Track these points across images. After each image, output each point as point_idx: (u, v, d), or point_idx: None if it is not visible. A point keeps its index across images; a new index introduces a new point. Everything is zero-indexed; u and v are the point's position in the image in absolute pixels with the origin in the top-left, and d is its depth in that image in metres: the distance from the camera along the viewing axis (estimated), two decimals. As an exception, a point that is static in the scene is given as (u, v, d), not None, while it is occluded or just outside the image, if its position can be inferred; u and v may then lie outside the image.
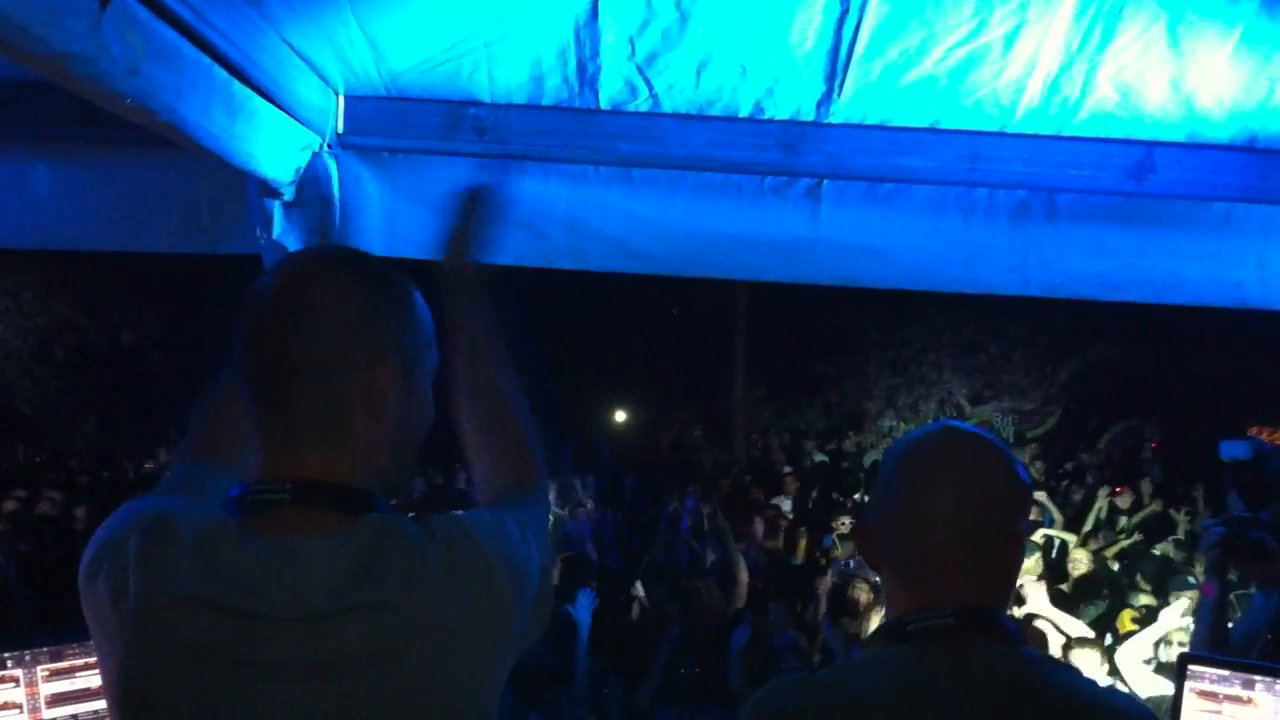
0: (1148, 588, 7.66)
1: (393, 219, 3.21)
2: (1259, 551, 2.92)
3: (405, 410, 1.55)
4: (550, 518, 1.68)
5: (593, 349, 20.04)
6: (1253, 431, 16.43)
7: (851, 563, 8.24)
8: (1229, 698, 2.40)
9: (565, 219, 3.26)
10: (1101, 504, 10.89)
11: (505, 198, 2.04)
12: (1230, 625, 3.16)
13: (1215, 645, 3.03)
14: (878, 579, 1.70)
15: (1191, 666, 2.47)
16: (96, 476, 13.24)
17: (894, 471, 1.60)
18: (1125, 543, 9.86)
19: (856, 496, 12.66)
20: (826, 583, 7.58)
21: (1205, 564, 3.26)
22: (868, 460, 16.41)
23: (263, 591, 1.36)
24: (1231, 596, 3.49)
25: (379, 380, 1.49)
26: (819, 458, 16.79)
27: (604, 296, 18.06)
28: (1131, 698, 1.49)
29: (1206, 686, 2.43)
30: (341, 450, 1.47)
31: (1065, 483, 14.14)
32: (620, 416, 17.98)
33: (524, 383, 1.84)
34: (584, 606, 5.60)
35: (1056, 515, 10.39)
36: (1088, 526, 10.45)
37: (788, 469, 14.48)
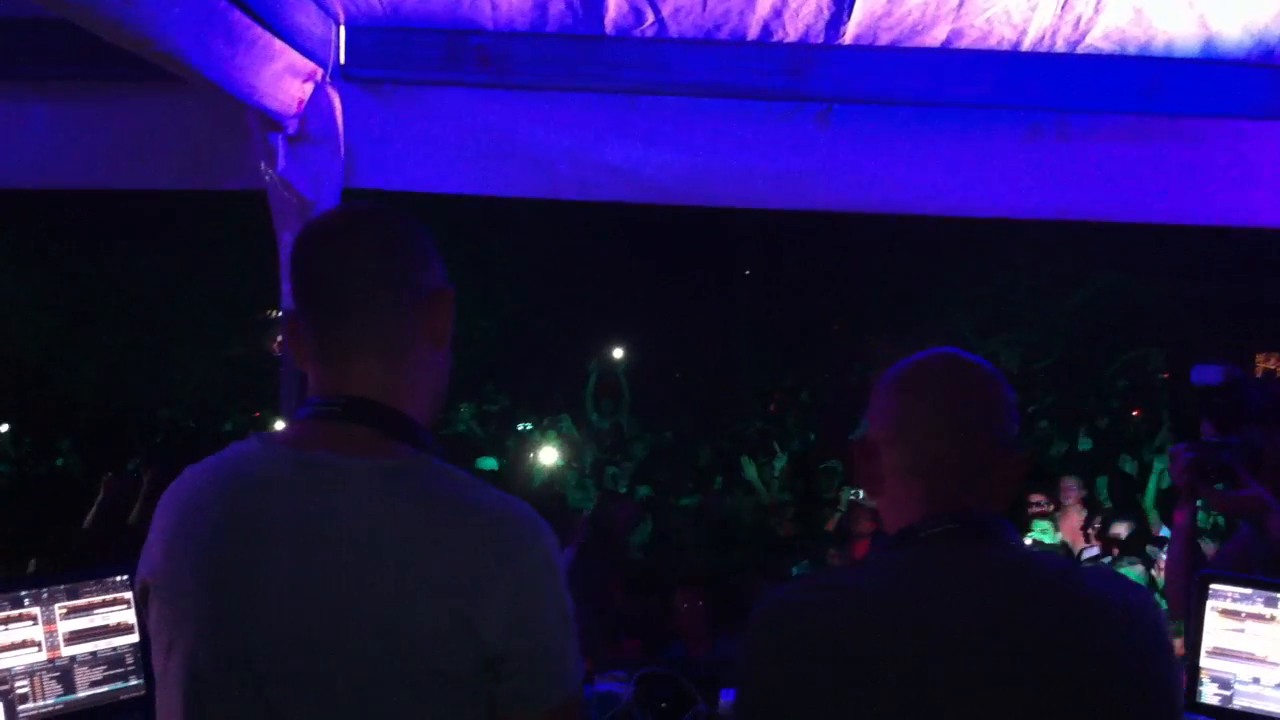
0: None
1: (396, 153, 3.17)
2: (1226, 476, 2.89)
3: (449, 344, 1.57)
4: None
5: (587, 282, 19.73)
6: (1259, 359, 16.44)
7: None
8: (1251, 615, 2.40)
9: (570, 150, 3.22)
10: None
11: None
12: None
13: (1190, 570, 2.99)
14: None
15: (1214, 585, 2.46)
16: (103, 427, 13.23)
17: (896, 388, 1.62)
18: None
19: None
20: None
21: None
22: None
23: (285, 499, 1.39)
24: None
25: (440, 303, 1.52)
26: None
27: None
28: (1140, 589, 1.53)
29: (1229, 605, 2.43)
30: (398, 373, 1.49)
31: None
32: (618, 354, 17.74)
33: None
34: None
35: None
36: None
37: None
